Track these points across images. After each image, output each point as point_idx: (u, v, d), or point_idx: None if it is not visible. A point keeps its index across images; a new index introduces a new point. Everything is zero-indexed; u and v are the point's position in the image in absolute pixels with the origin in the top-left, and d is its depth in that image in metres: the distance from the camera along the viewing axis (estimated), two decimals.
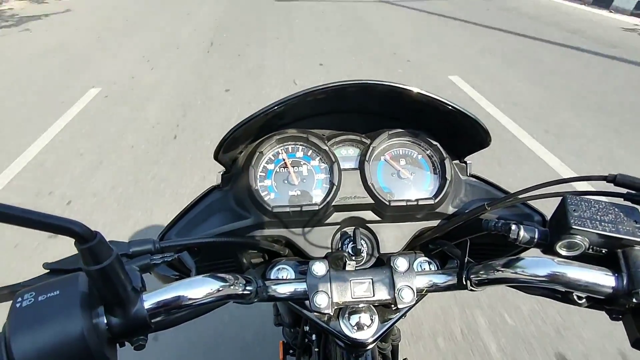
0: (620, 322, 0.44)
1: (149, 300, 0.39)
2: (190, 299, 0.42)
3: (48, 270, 0.42)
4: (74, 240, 0.31)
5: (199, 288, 0.43)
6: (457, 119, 0.59)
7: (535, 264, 0.46)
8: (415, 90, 0.55)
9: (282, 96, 0.54)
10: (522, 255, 0.51)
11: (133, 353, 0.45)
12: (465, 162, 0.68)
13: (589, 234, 0.44)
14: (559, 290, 0.47)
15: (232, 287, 0.47)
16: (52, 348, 0.31)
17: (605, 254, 0.45)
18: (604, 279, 0.42)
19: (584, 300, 0.46)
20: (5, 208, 0.26)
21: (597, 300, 0.45)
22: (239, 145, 0.63)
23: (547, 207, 0.56)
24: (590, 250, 0.45)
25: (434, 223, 0.64)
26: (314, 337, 0.81)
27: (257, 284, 0.51)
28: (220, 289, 0.45)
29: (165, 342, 1.67)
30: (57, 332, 0.32)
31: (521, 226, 0.50)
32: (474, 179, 0.68)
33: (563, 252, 0.47)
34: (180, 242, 0.51)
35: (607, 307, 0.44)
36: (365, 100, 0.63)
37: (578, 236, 0.45)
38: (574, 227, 0.44)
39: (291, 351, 1.23)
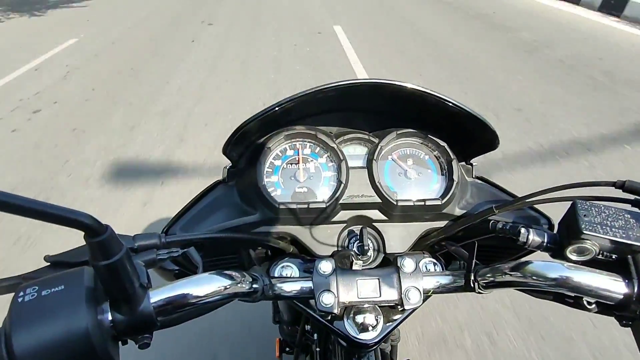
0: (629, 328, 0.44)
1: (156, 297, 0.38)
2: (197, 296, 0.41)
3: (49, 263, 0.41)
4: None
5: (206, 285, 0.42)
6: (465, 121, 0.59)
7: (545, 268, 0.46)
8: (425, 90, 0.55)
9: None
10: (531, 258, 0.50)
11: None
12: (471, 164, 0.68)
13: (599, 240, 0.44)
14: (568, 295, 0.47)
15: (239, 285, 0.46)
16: (54, 344, 0.30)
17: (615, 260, 0.45)
18: (614, 285, 0.42)
19: (593, 305, 0.46)
20: (12, 198, 0.25)
21: (607, 306, 0.44)
22: (247, 140, 0.62)
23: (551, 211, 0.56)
24: (600, 255, 0.45)
25: (441, 224, 0.63)
26: (315, 336, 0.81)
27: (263, 282, 0.50)
28: (228, 286, 0.44)
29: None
30: (61, 328, 0.30)
31: (530, 230, 0.50)
32: (479, 181, 0.68)
33: (573, 257, 0.47)
34: (186, 237, 0.50)
35: (617, 313, 0.44)
36: (374, 99, 0.62)
37: (589, 241, 0.44)
38: (585, 232, 0.44)
39: (287, 349, 1.22)
